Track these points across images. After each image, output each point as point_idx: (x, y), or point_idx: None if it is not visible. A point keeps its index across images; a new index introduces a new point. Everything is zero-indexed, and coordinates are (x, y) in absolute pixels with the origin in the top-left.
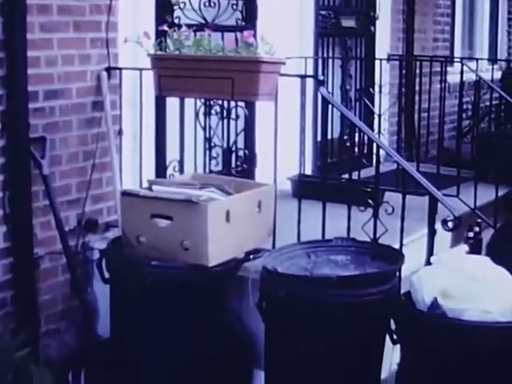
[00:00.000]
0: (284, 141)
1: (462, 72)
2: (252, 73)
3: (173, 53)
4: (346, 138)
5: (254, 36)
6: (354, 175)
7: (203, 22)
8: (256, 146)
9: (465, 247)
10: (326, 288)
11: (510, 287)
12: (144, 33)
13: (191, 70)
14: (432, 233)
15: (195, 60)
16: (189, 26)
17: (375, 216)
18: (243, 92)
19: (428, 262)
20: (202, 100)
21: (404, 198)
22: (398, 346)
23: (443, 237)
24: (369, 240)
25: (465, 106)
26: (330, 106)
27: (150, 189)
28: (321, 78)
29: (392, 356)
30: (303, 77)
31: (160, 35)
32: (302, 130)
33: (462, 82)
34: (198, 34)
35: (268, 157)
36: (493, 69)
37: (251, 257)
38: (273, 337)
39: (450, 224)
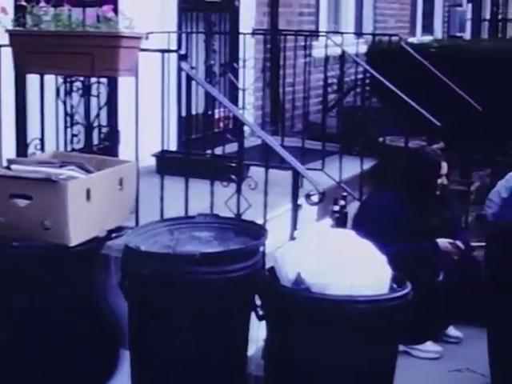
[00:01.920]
0: (149, 117)
1: (326, 46)
2: (112, 48)
3: (31, 28)
4: (210, 113)
5: (116, 11)
6: (219, 150)
7: None
8: (119, 122)
9: (329, 221)
10: (189, 265)
11: (374, 260)
12: (1, 8)
13: (50, 46)
14: (295, 207)
15: (54, 35)
16: (48, 0)
17: (238, 191)
18: (103, 68)
19: (292, 237)
20: (63, 77)
21: (267, 173)
22: (264, 322)
23: (309, 211)
24: (232, 216)
25: (330, 81)
26: (193, 81)
27: (8, 168)
28: (182, 52)
29: (258, 332)
30: (164, 51)
31: (18, 10)
32: (163, 106)
33: (326, 56)
34: (57, 8)
35: (133, 133)
36: (358, 43)
37: (113, 235)
38: (136, 316)
39: (314, 198)
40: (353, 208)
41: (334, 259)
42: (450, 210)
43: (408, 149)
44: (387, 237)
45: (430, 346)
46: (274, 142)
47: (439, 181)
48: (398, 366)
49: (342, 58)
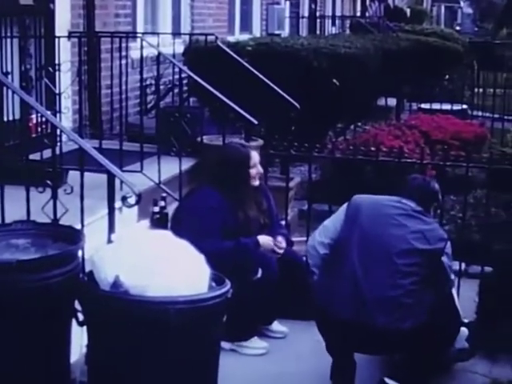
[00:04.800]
0: None
1: (141, 47)
2: None
3: None
4: (27, 118)
5: None
6: (38, 156)
7: None
8: None
9: (147, 222)
10: (6, 274)
11: (191, 260)
12: None
13: None
14: (112, 210)
15: None
16: None
17: (54, 197)
18: None
19: (109, 240)
20: None
21: (82, 177)
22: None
23: (130, 213)
24: (50, 222)
25: (149, 82)
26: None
27: None
28: None
29: (82, 338)
30: None
31: None
32: None
33: (141, 58)
34: None
35: None
36: (174, 43)
37: None
38: None
39: (131, 200)
40: (173, 208)
41: (151, 261)
42: (267, 200)
43: (219, 146)
44: (207, 234)
45: (256, 342)
46: (87, 145)
47: (253, 171)
48: (226, 365)
49: (158, 58)
